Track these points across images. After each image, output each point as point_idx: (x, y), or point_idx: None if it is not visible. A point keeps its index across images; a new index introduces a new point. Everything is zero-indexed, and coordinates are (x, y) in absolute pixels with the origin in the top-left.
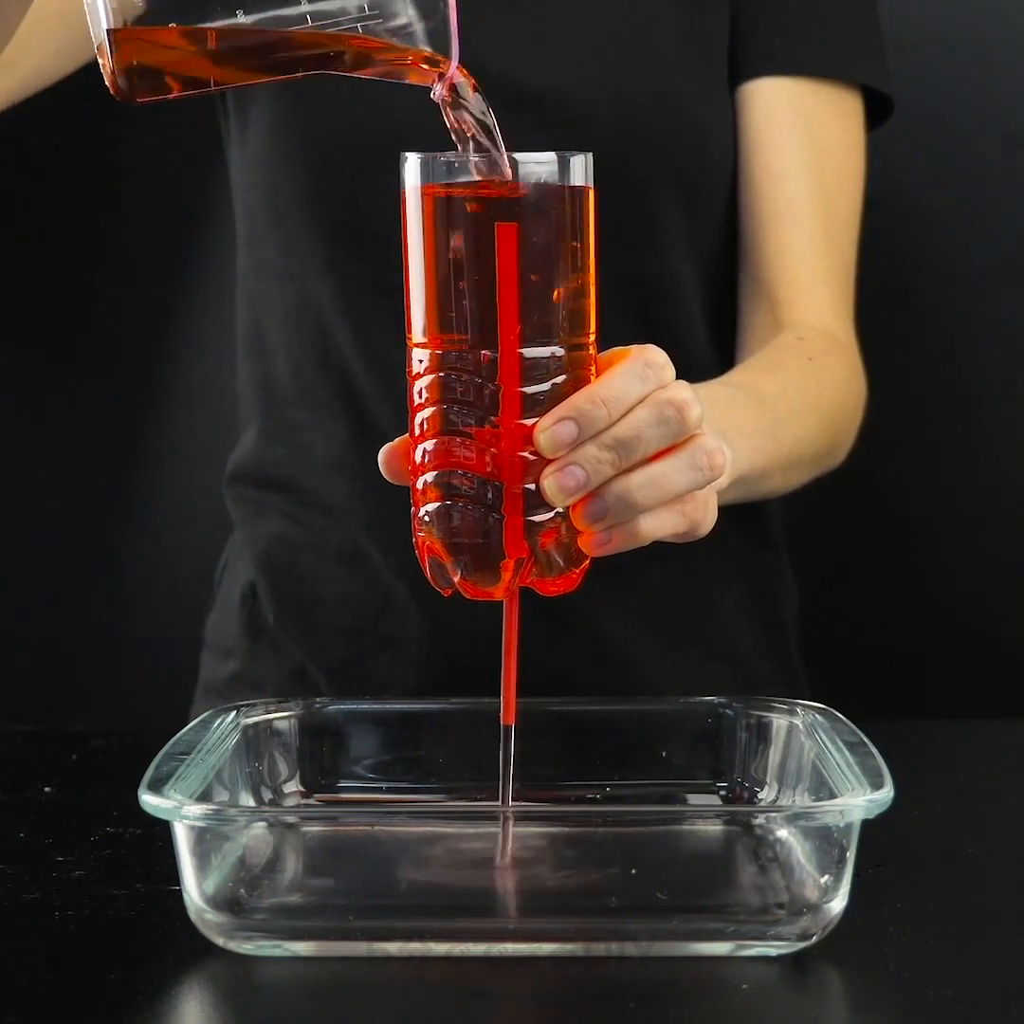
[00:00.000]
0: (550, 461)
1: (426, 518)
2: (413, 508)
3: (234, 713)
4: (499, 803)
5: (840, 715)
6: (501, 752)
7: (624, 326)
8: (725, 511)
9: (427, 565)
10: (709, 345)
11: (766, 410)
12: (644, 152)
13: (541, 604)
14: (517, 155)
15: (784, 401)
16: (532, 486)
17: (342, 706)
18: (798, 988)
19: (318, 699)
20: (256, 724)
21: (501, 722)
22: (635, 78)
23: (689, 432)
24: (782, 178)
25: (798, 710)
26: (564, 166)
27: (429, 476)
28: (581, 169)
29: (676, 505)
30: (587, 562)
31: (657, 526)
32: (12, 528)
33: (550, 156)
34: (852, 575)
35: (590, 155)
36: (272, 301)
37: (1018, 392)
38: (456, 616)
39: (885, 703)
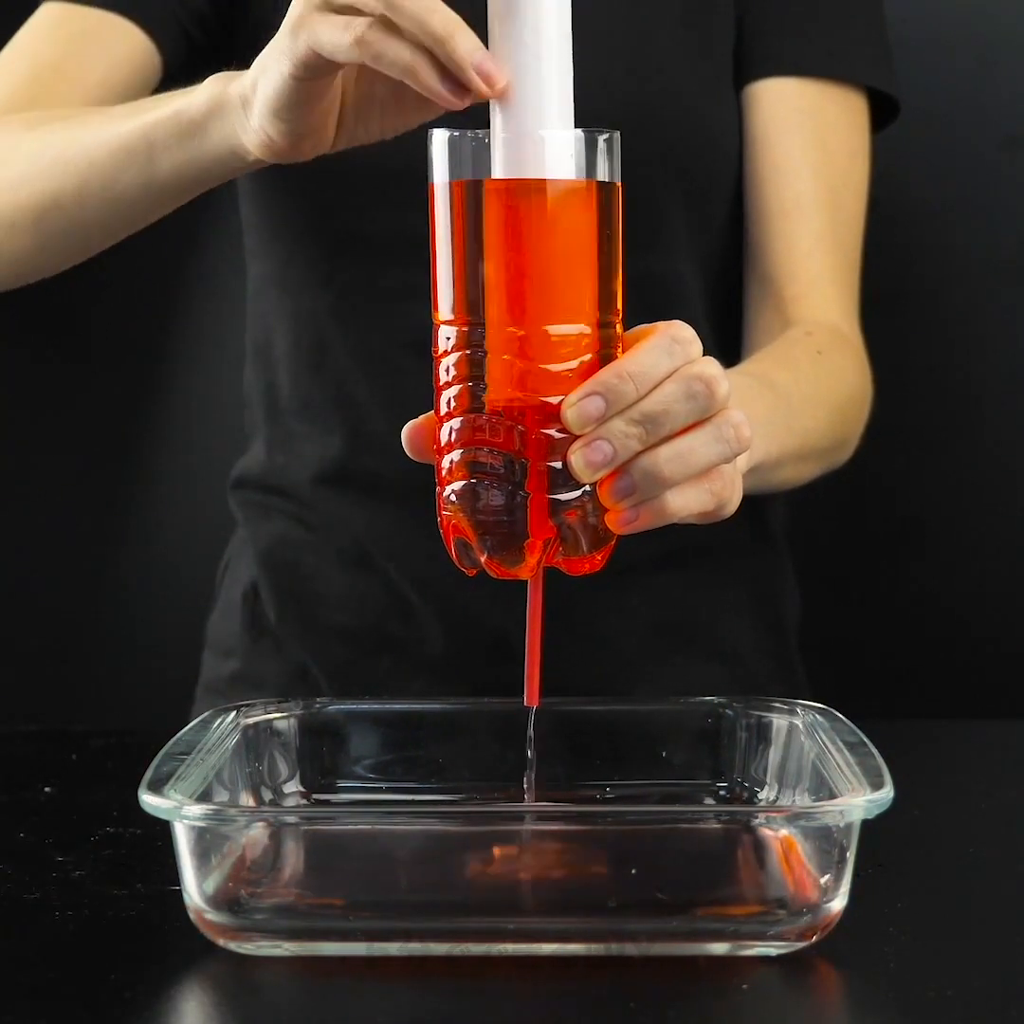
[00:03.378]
0: (577, 438)
1: (452, 497)
2: (438, 488)
3: (234, 713)
4: (525, 786)
5: (840, 715)
6: (529, 734)
7: (628, 326)
8: None
9: (452, 545)
10: (714, 345)
11: (780, 400)
12: (648, 151)
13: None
14: (544, 133)
15: (797, 392)
16: (559, 464)
17: (342, 706)
18: (798, 988)
19: (318, 699)
20: (256, 724)
21: (525, 704)
22: (639, 77)
23: (717, 407)
24: (788, 176)
25: (798, 710)
26: (591, 144)
27: (455, 455)
28: (607, 148)
29: (703, 482)
30: (613, 542)
31: (684, 503)
32: (13, 529)
33: (577, 134)
34: (852, 575)
35: (617, 133)
36: (274, 311)
37: (1018, 392)
38: (458, 617)
39: (885, 703)
